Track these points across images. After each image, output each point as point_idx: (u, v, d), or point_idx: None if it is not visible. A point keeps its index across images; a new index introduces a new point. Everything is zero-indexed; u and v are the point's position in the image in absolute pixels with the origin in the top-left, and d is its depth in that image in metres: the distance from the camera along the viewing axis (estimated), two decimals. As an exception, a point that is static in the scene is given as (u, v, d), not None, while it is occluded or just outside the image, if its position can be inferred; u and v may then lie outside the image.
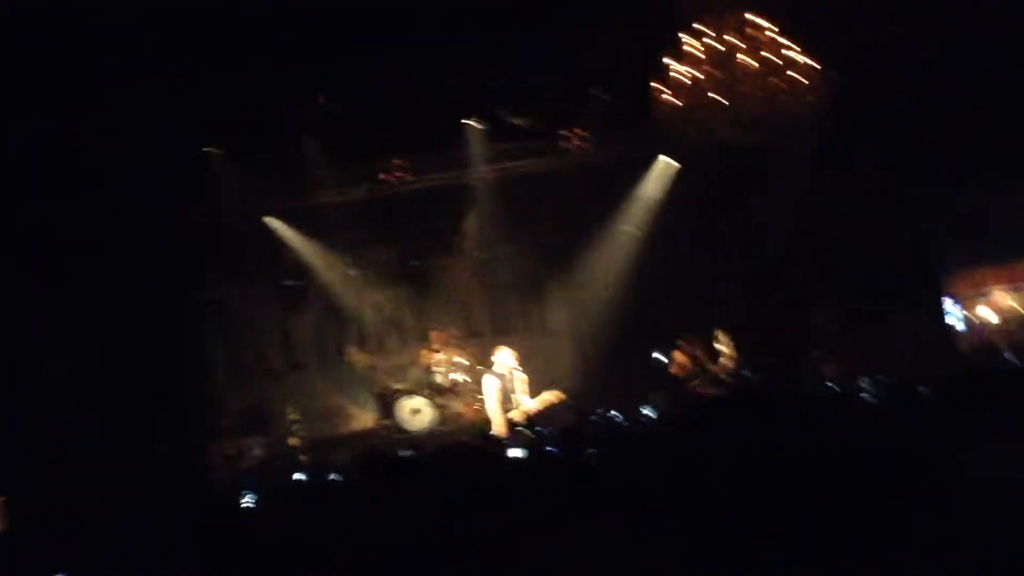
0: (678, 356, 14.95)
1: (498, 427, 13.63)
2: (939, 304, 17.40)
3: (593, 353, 18.77)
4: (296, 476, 11.67)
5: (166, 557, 2.39)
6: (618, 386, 16.31)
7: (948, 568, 2.95)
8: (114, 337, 15.42)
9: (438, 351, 17.30)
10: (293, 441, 16.57)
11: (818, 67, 12.11)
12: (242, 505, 7.94)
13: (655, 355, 16.61)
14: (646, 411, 13.08)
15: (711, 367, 14.58)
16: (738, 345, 14.87)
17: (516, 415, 13.86)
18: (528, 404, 13.95)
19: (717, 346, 14.83)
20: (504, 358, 14.15)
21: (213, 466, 16.24)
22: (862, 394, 8.55)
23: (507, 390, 13.93)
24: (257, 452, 16.54)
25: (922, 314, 17.21)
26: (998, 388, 4.37)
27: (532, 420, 13.58)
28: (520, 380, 14.12)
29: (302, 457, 16.13)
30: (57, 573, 5.91)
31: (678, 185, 17.86)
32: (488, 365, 14.75)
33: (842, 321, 17.24)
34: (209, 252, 16.92)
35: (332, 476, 9.01)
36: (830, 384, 12.67)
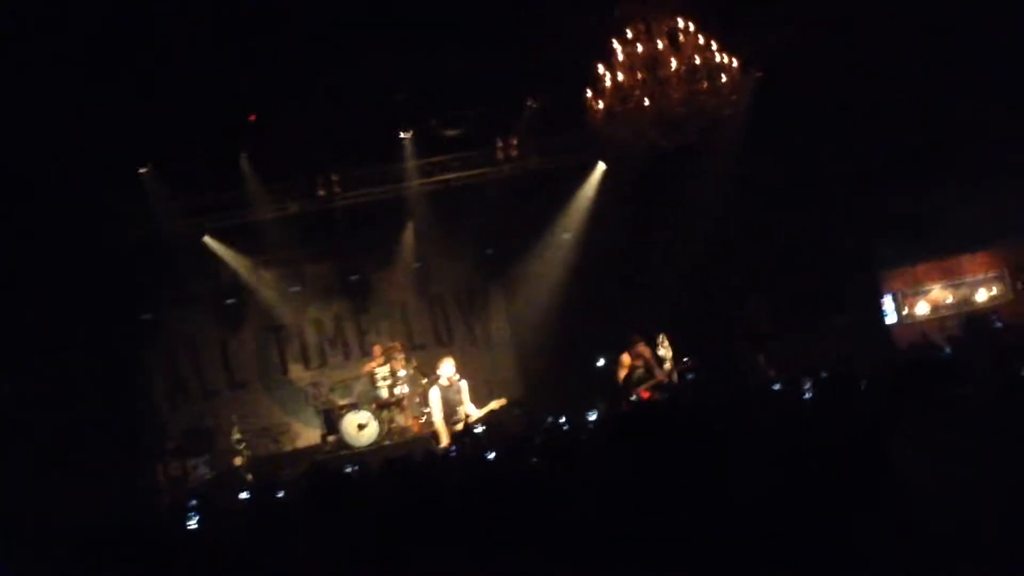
0: (625, 359, 15.00)
1: (444, 439, 13.63)
2: (877, 301, 17.58)
3: (536, 359, 18.85)
4: (242, 495, 11.60)
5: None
6: (563, 391, 16.39)
7: (888, 552, 3.01)
8: (52, 357, 15.27)
9: (381, 364, 17.27)
10: (238, 460, 16.48)
11: (740, 66, 12.25)
12: (188, 526, 7.91)
13: (599, 361, 16.69)
14: (592, 416, 13.13)
15: (657, 371, 14.64)
16: (676, 347, 14.97)
17: (460, 426, 13.87)
18: (473, 412, 13.96)
19: (660, 351, 14.91)
20: (447, 369, 14.15)
21: (158, 487, 16.09)
22: (803, 392, 8.62)
23: (452, 401, 13.93)
24: (202, 472, 16.41)
25: (858, 311, 17.40)
26: (931, 378, 4.45)
27: (470, 427, 13.60)
28: (464, 389, 14.13)
29: (248, 476, 16.03)
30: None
31: (611, 188, 17.96)
32: (432, 377, 14.75)
33: (773, 318, 17.42)
34: (145, 271, 16.79)
35: (279, 494, 8.97)
36: (767, 381, 12.78)
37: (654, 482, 2.26)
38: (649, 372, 14.64)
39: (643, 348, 14.83)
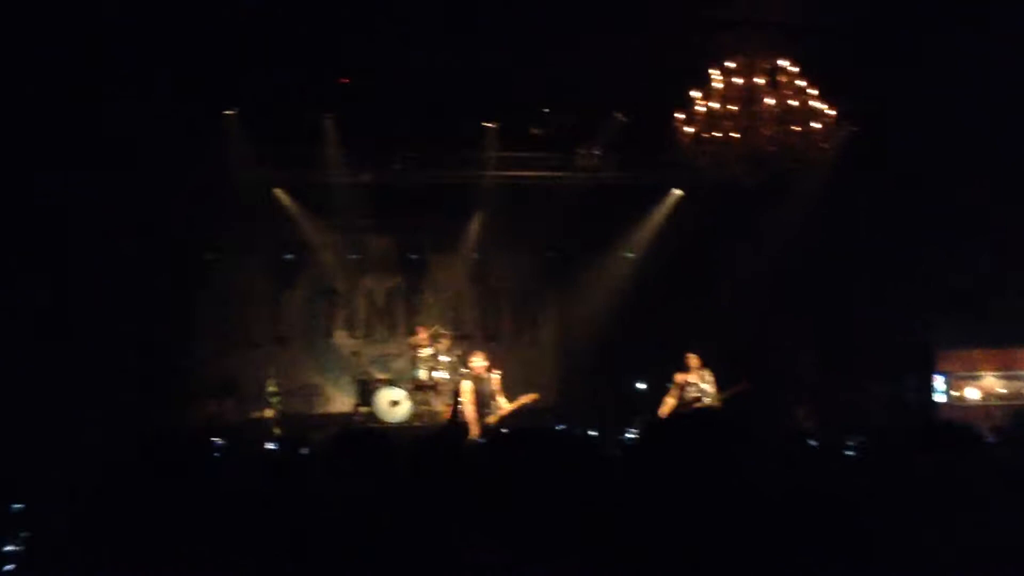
0: (678, 377, 14.93)
1: (474, 429, 13.64)
2: (928, 377, 17.33)
3: (578, 371, 18.81)
4: (268, 445, 11.67)
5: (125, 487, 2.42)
6: (599, 407, 16.37)
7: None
8: (103, 283, 15.41)
9: (424, 347, 17.30)
10: (268, 413, 16.58)
11: (835, 116, 12.18)
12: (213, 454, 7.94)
13: (640, 384, 16.65)
14: (630, 434, 13.13)
15: (700, 401, 14.58)
16: (719, 384, 14.92)
17: (493, 419, 13.89)
18: (504, 405, 13.99)
19: (703, 384, 14.86)
20: (478, 362, 14.18)
21: (191, 421, 16.22)
22: (844, 449, 8.53)
23: (484, 394, 13.94)
24: (231, 418, 16.52)
25: (907, 383, 17.19)
26: (970, 462, 4.37)
27: (503, 422, 13.65)
28: (495, 382, 14.16)
29: (276, 429, 16.14)
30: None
31: (681, 216, 17.91)
32: (468, 367, 14.78)
33: (821, 373, 17.25)
34: (210, 214, 16.89)
35: (303, 450, 9.01)
36: (803, 433, 12.67)
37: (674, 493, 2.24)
38: (699, 397, 14.62)
39: (698, 369, 14.81)
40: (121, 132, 14.61)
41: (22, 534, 5.47)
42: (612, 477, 2.30)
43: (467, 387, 14.04)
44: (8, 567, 5.03)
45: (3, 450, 12.37)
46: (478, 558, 2.24)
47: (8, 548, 5.41)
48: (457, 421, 14.50)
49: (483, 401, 13.90)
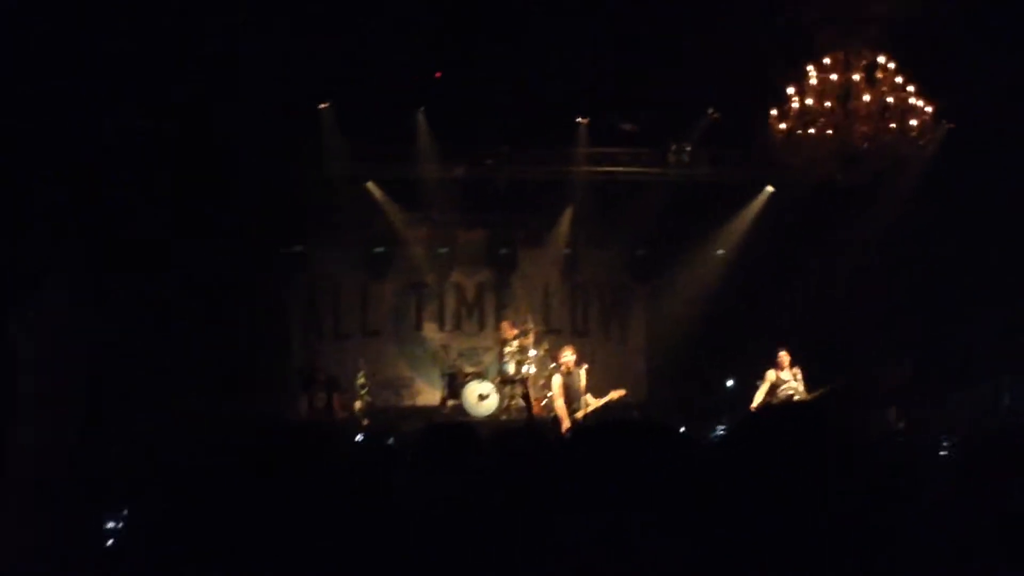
0: (770, 374, 14.77)
1: (565, 423, 13.66)
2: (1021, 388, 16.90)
3: (666, 368, 18.73)
4: (357, 438, 11.76)
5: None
6: (687, 405, 16.29)
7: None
8: (199, 277, 15.65)
9: (511, 342, 17.33)
10: (358, 404, 16.73)
11: (933, 113, 11.99)
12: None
13: (729, 382, 16.53)
14: (719, 431, 13.03)
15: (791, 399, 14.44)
16: (807, 382, 14.75)
17: (580, 414, 13.90)
18: (592, 401, 13.98)
19: (794, 383, 14.70)
20: (567, 356, 14.18)
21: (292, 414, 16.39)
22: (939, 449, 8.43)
23: (574, 388, 13.94)
24: (318, 405, 16.65)
25: (1002, 383, 16.82)
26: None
27: (590, 417, 13.65)
28: (582, 377, 14.15)
29: (364, 421, 16.27)
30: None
31: (773, 214, 17.73)
32: (558, 362, 14.78)
33: (914, 376, 16.95)
34: (303, 206, 17.05)
35: (388, 440, 9.07)
36: (894, 434, 12.52)
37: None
38: (791, 395, 14.48)
39: (791, 367, 14.67)
40: (217, 128, 14.85)
41: (124, 512, 5.60)
42: (704, 470, 2.27)
43: (557, 381, 14.04)
44: (109, 542, 5.15)
45: (111, 437, 12.67)
46: (570, 552, 2.23)
47: (110, 524, 5.54)
48: (534, 416, 14.54)
49: (572, 396, 13.90)
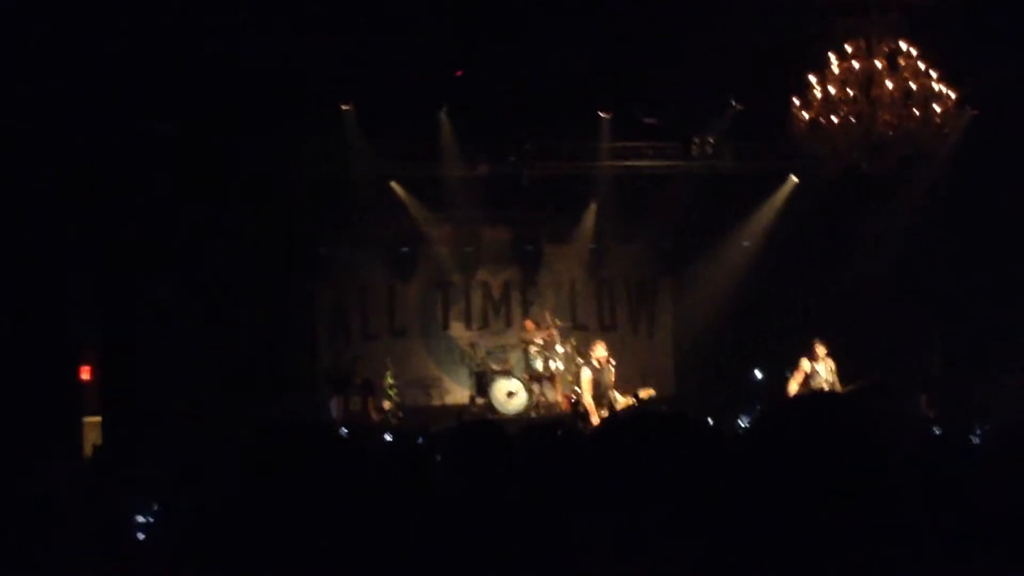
0: (804, 364, 14.68)
1: (594, 418, 13.66)
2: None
3: (694, 360, 18.70)
4: (386, 437, 11.79)
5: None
6: (716, 397, 16.24)
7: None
8: (225, 277, 15.75)
9: (537, 339, 17.33)
10: (387, 405, 16.76)
11: (956, 100, 11.91)
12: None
13: (757, 374, 16.47)
14: (743, 421, 12.98)
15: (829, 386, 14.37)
16: (840, 374, 14.67)
17: (606, 411, 13.91)
18: (619, 400, 13.98)
19: (829, 376, 14.61)
20: (599, 352, 14.19)
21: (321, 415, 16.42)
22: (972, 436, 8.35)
23: (603, 384, 13.95)
24: (353, 408, 16.64)
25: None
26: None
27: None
28: (613, 372, 14.18)
29: (393, 421, 16.30)
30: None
31: (798, 204, 17.67)
32: (587, 358, 14.78)
33: (945, 361, 16.87)
34: (328, 207, 17.08)
35: (419, 440, 9.09)
36: (926, 422, 12.42)
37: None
38: (823, 386, 14.40)
39: (826, 357, 14.57)
40: (240, 131, 14.93)
41: (154, 507, 5.63)
42: (732, 460, 2.26)
43: (586, 376, 14.05)
44: (140, 535, 5.18)
45: (146, 435, 12.79)
46: (601, 547, 2.23)
47: (139, 519, 5.57)
48: (579, 410, 14.54)
49: (600, 391, 13.91)
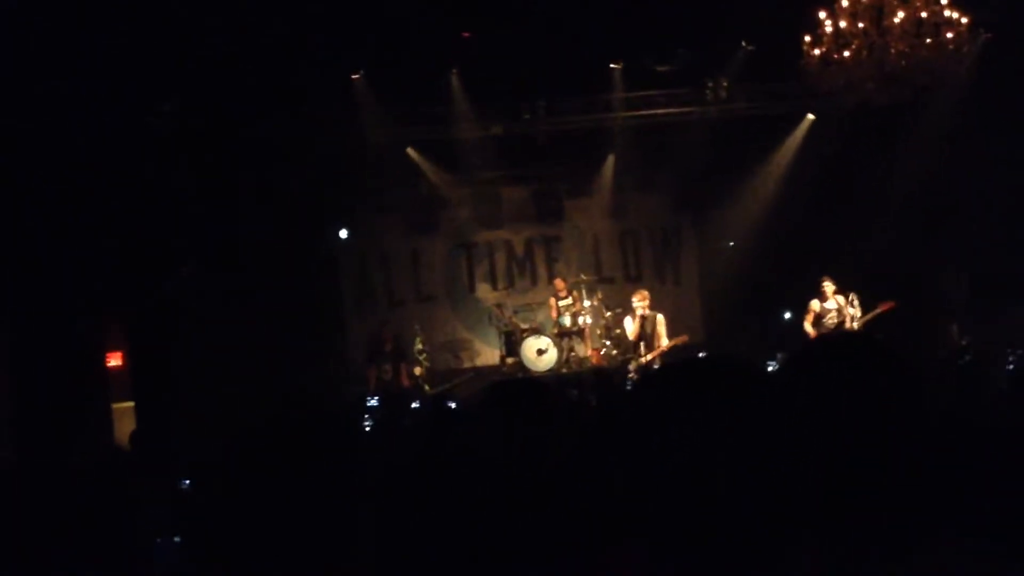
0: (814, 305, 14.68)
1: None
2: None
3: (722, 305, 18.68)
4: (413, 404, 11.85)
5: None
6: (746, 340, 16.25)
7: None
8: (249, 255, 15.81)
9: (564, 297, 17.34)
10: (417, 370, 16.84)
11: (968, 25, 11.79)
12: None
13: (785, 314, 16.45)
14: (771, 365, 12.96)
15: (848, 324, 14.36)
16: (866, 308, 14.64)
17: (644, 359, 14.07)
18: (656, 348, 14.18)
19: (850, 310, 14.59)
20: (640, 303, 14.40)
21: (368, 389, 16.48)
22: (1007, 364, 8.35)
23: (647, 332, 14.17)
24: (385, 377, 16.73)
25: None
26: None
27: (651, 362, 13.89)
28: (661, 322, 14.41)
29: (426, 387, 16.38)
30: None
31: (817, 141, 17.58)
32: (626, 308, 15.00)
33: (972, 290, 16.80)
34: (346, 177, 17.09)
35: (451, 404, 9.13)
36: (958, 351, 12.40)
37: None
38: (840, 323, 14.39)
39: (834, 295, 14.58)
40: (251, 106, 14.95)
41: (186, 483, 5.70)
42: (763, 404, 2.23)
43: (628, 323, 14.32)
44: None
45: (180, 419, 12.91)
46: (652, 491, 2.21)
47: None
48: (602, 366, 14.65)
49: (644, 339, 14.09)
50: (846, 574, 2.05)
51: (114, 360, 14.74)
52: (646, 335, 14.31)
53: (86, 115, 12.81)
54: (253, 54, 13.88)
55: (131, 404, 14.37)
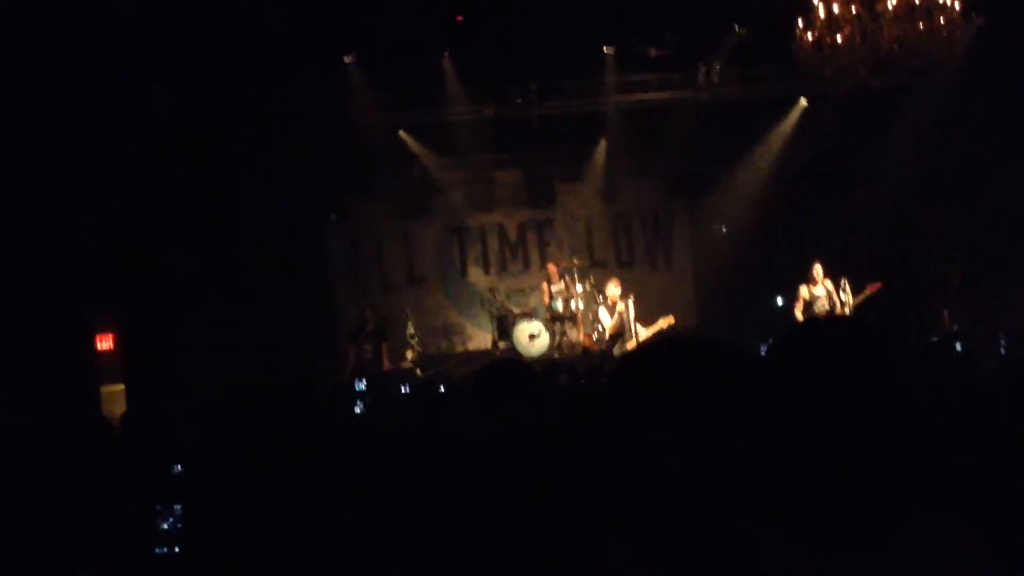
0: (803, 291, 14.71)
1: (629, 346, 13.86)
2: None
3: (714, 290, 18.69)
4: (403, 389, 11.82)
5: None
6: (737, 325, 16.25)
7: None
8: (241, 238, 15.80)
9: (556, 282, 17.31)
10: (409, 354, 16.81)
11: (961, 9, 11.79)
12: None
13: (777, 300, 16.45)
14: (763, 349, 12.97)
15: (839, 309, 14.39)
16: (856, 292, 14.67)
17: (631, 344, 13.98)
18: (642, 332, 14.08)
19: (841, 295, 14.62)
20: (612, 291, 14.33)
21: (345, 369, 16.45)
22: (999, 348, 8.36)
23: (622, 320, 14.05)
24: (365, 357, 16.65)
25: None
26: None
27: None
28: (630, 308, 14.27)
29: (417, 371, 16.36)
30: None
31: (809, 125, 17.57)
32: (604, 296, 14.88)
33: (964, 273, 16.80)
34: (338, 161, 17.06)
35: (441, 388, 9.13)
36: (950, 335, 12.42)
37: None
38: (831, 309, 14.41)
39: (824, 280, 14.59)
40: (244, 90, 14.91)
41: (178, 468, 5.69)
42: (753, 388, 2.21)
43: (603, 314, 14.14)
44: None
45: (171, 400, 12.88)
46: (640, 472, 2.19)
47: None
48: (591, 350, 14.62)
49: (621, 328, 13.98)
50: (833, 562, 2.03)
51: (105, 342, 14.68)
52: (622, 323, 14.27)
53: (76, 96, 12.79)
54: (244, 39, 13.84)
55: (121, 387, 14.31)
